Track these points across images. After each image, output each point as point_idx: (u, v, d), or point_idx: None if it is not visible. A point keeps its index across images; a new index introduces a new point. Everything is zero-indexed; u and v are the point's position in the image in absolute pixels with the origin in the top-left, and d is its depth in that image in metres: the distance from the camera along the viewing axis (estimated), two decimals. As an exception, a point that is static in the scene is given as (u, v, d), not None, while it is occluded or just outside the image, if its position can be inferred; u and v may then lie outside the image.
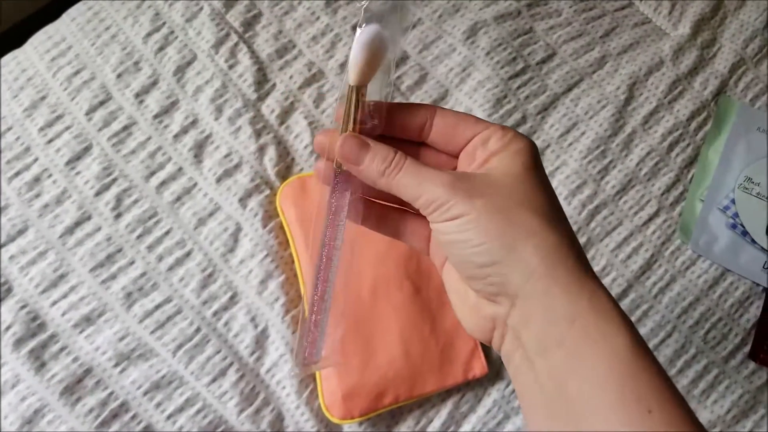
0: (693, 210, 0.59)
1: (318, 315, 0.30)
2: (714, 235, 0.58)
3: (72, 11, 0.59)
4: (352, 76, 0.28)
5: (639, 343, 0.25)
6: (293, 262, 0.53)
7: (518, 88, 0.61)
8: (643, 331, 0.55)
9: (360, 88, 0.28)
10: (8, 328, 0.48)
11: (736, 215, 0.58)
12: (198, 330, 0.50)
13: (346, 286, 0.42)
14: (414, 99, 0.59)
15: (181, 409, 0.49)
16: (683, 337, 0.55)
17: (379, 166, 0.28)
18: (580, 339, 0.25)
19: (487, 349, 0.52)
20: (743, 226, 0.58)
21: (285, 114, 0.57)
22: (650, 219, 0.59)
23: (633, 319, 0.54)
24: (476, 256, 0.27)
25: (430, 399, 0.51)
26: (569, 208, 0.58)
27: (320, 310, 0.30)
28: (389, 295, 0.51)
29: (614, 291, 0.55)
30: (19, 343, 0.48)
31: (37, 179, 0.53)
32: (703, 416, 0.53)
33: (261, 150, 0.55)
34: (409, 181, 0.28)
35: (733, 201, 0.59)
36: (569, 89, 0.62)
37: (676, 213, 0.59)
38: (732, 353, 0.55)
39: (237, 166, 0.55)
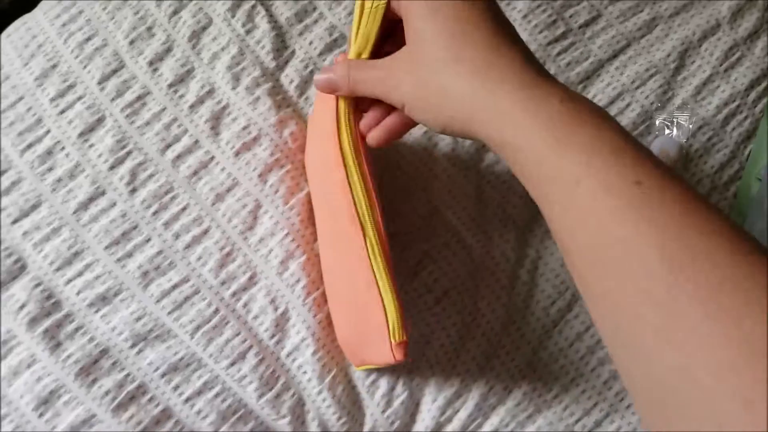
0: (749, 190, 0.54)
1: None
2: (771, 217, 0.53)
3: (82, -28, 0.56)
4: None
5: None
6: (314, 240, 0.50)
7: (558, 54, 0.56)
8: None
9: None
10: (22, 306, 0.47)
11: (796, 196, 0.53)
12: (216, 311, 0.48)
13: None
14: (444, 67, 0.55)
15: (199, 393, 0.47)
16: (731, 328, 0.51)
17: (341, 81, 0.38)
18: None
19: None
20: (804, 208, 0.53)
21: (305, 84, 0.54)
22: (700, 199, 0.54)
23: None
24: (430, 124, 0.35)
25: (453, 386, 0.48)
26: (611, 187, 0.53)
27: None
28: (336, 258, 0.46)
29: (658, 277, 0.52)
30: (33, 322, 0.47)
31: (49, 152, 0.51)
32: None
33: (281, 123, 0.52)
34: (360, 88, 0.37)
35: (793, 180, 0.54)
36: (614, 55, 0.57)
37: (731, 193, 0.54)
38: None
39: (256, 139, 0.52)
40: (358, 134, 0.41)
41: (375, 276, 0.40)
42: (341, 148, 0.41)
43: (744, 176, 0.55)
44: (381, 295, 0.39)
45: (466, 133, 0.33)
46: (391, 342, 0.39)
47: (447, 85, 0.32)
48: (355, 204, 0.40)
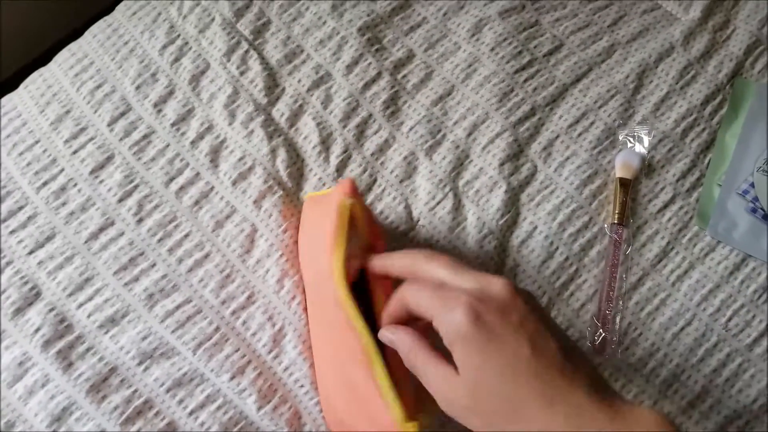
0: (711, 195, 0.58)
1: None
2: (733, 220, 0.57)
3: (93, 28, 0.62)
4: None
5: None
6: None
7: (525, 81, 0.61)
8: (661, 319, 0.54)
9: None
10: (37, 330, 0.50)
11: (755, 199, 0.57)
12: (217, 329, 0.52)
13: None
14: (420, 97, 0.60)
15: (202, 406, 0.50)
16: (703, 326, 0.54)
17: (405, 355, 0.38)
18: None
19: None
20: (764, 210, 0.57)
21: (294, 117, 0.59)
22: (665, 206, 0.58)
23: (650, 308, 0.54)
24: None
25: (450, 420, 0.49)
26: (581, 198, 0.57)
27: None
28: (324, 345, 0.49)
29: (629, 280, 0.55)
30: (47, 344, 0.50)
31: (63, 188, 0.55)
32: (728, 406, 0.52)
33: (273, 152, 0.57)
34: (419, 367, 0.36)
35: (752, 185, 0.58)
36: (578, 80, 0.62)
37: (693, 199, 0.58)
38: (756, 340, 0.54)
39: (251, 169, 0.56)
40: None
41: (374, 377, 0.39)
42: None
43: (705, 183, 0.58)
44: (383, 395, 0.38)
45: None
46: None
47: None
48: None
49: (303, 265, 0.53)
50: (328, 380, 0.49)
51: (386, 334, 0.39)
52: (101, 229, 0.54)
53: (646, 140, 0.59)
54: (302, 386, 0.51)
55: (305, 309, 0.52)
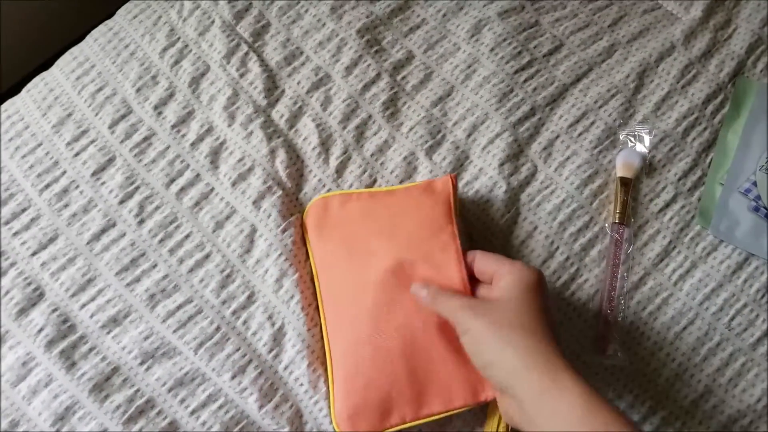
0: (712, 194, 0.58)
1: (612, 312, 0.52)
2: (735, 219, 0.57)
3: (94, 33, 0.63)
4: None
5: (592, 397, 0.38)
6: (306, 260, 0.54)
7: (525, 81, 0.61)
8: (663, 319, 0.54)
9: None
10: (41, 330, 0.51)
11: (758, 198, 0.57)
12: (218, 329, 0.52)
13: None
14: (419, 97, 0.60)
15: (204, 405, 0.50)
16: (706, 325, 0.54)
17: (426, 297, 0.47)
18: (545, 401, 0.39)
19: None
20: (766, 209, 0.56)
21: (294, 118, 0.59)
22: (667, 205, 0.58)
23: (651, 307, 0.54)
24: (475, 358, 0.43)
25: (451, 421, 0.50)
26: (581, 198, 0.57)
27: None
28: (389, 314, 0.49)
29: (631, 279, 0.55)
30: (51, 344, 0.50)
31: (65, 190, 0.56)
32: (732, 406, 0.52)
33: (272, 153, 0.57)
34: (439, 307, 0.46)
35: (754, 183, 0.57)
36: (578, 80, 0.62)
37: (695, 198, 0.58)
38: (760, 340, 0.54)
39: (250, 170, 0.57)
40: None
41: None
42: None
43: (707, 182, 0.58)
44: None
45: (491, 379, 0.43)
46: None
47: (503, 349, 0.42)
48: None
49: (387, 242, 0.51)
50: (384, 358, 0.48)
51: (415, 289, 0.49)
52: (103, 231, 0.55)
53: (647, 139, 0.59)
54: (302, 384, 0.51)
55: (302, 307, 0.52)
